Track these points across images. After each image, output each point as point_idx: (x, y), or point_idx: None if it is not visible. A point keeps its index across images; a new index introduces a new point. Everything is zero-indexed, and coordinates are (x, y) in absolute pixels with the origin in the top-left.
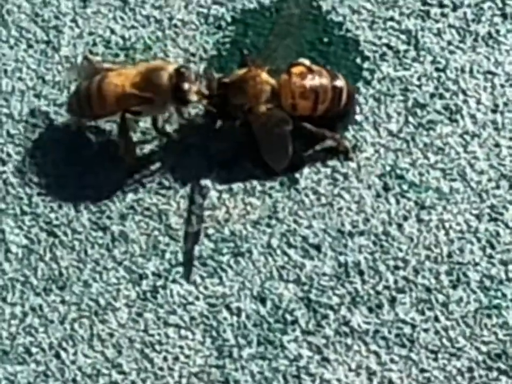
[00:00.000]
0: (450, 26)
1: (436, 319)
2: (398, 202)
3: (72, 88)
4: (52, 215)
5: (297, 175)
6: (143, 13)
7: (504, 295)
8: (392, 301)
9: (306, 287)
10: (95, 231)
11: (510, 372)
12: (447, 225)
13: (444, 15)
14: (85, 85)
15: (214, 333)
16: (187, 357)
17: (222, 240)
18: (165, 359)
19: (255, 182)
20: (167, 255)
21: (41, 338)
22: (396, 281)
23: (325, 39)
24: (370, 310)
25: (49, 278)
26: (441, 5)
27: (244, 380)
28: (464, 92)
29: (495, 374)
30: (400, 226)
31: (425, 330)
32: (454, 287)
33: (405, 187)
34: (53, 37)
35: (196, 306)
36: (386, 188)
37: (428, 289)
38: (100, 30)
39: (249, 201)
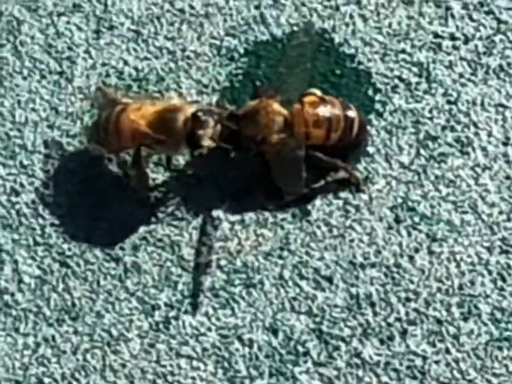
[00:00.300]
0: (461, 58)
1: (447, 351)
2: (409, 234)
3: (86, 119)
4: (65, 246)
5: (309, 207)
6: (156, 44)
7: None
8: (404, 333)
9: (318, 319)
10: (108, 262)
11: None
12: (458, 257)
13: (455, 47)
14: (105, 115)
15: (226, 364)
16: None
17: (234, 272)
18: None
19: (267, 214)
20: (180, 286)
21: (54, 368)
22: (407, 313)
23: (337, 71)
24: (381, 341)
25: (62, 309)
26: (453, 38)
27: None
28: (475, 125)
29: None
30: (411, 258)
31: (436, 362)
32: (465, 319)
33: (417, 219)
34: (66, 68)
35: (208, 337)
36: (397, 220)
37: (439, 321)
38: (113, 61)
39: (261, 233)
